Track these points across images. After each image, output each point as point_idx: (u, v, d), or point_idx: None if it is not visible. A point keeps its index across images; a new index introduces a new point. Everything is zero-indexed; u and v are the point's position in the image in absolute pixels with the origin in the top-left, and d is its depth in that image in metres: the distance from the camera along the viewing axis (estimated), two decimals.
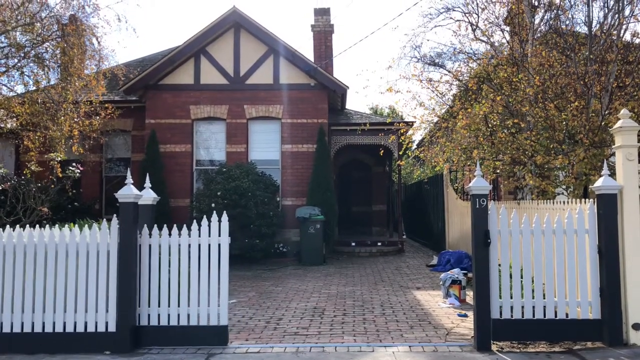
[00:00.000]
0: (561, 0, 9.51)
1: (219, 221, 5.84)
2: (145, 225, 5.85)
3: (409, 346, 5.71)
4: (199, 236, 5.82)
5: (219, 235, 5.81)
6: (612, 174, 6.08)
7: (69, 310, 5.62)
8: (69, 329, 5.60)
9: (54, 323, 5.61)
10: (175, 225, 5.98)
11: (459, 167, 12.08)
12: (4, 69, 11.23)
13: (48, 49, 11.60)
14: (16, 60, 11.27)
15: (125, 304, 5.58)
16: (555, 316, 5.71)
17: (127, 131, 15.32)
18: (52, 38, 11.46)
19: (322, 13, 18.34)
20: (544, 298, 5.75)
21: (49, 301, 5.63)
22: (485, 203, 5.71)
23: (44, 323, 5.60)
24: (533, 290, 5.75)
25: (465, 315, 7.15)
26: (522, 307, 5.71)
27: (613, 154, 7.07)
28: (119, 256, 5.64)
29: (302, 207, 13.46)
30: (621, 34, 8.77)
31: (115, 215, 5.80)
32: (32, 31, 11.08)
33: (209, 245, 5.79)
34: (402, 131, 12.35)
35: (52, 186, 11.04)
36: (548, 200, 7.74)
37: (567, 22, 9.69)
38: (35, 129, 11.75)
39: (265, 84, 14.50)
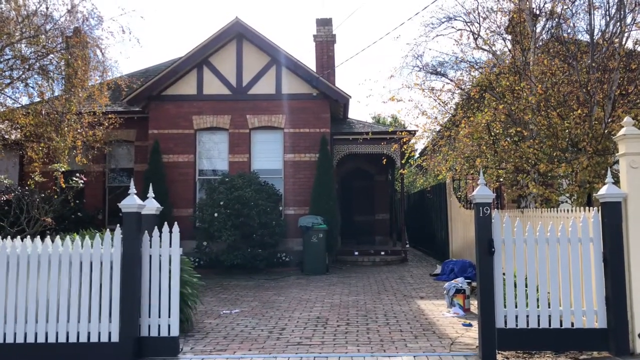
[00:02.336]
0: (562, 8, 9.54)
1: (170, 232, 5.83)
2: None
3: (413, 356, 5.68)
4: (150, 247, 5.81)
5: (170, 246, 5.80)
6: (616, 182, 6.05)
7: (72, 320, 5.60)
8: (72, 339, 5.58)
9: (56, 333, 5.59)
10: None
11: (462, 176, 12.08)
12: (8, 81, 11.30)
13: (52, 60, 11.68)
14: (21, 72, 11.35)
15: (128, 314, 5.57)
16: (561, 325, 5.66)
17: (130, 142, 15.38)
18: (57, 50, 11.55)
19: (324, 23, 18.42)
20: (549, 307, 5.71)
21: (52, 311, 5.61)
22: (488, 212, 5.70)
23: (46, 333, 5.59)
24: (538, 300, 5.71)
25: (470, 325, 7.10)
26: (527, 316, 5.67)
27: (617, 162, 7.05)
28: (122, 266, 5.64)
29: (304, 216, 13.44)
30: (623, 42, 8.78)
31: (118, 225, 5.81)
32: (36, 43, 11.15)
33: (160, 256, 5.78)
34: (404, 140, 12.36)
35: (56, 197, 11.06)
36: (552, 209, 7.71)
37: (569, 31, 9.72)
38: (39, 140, 11.81)
39: (267, 94, 14.55)
